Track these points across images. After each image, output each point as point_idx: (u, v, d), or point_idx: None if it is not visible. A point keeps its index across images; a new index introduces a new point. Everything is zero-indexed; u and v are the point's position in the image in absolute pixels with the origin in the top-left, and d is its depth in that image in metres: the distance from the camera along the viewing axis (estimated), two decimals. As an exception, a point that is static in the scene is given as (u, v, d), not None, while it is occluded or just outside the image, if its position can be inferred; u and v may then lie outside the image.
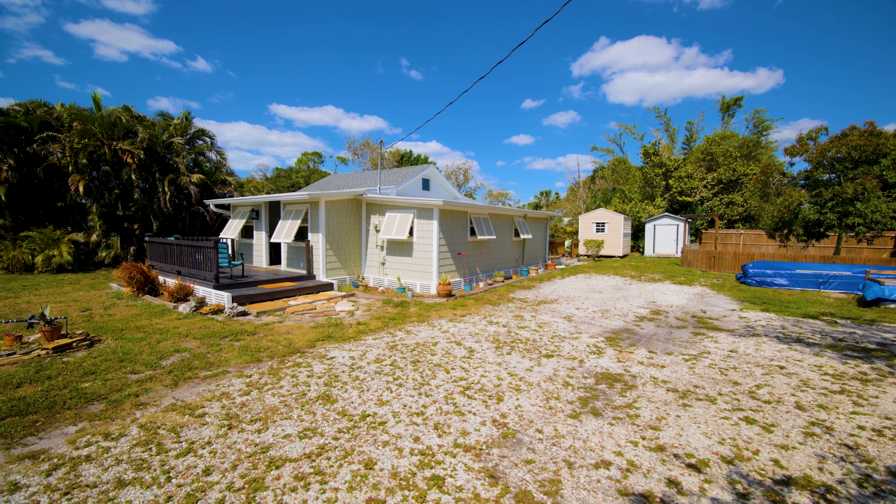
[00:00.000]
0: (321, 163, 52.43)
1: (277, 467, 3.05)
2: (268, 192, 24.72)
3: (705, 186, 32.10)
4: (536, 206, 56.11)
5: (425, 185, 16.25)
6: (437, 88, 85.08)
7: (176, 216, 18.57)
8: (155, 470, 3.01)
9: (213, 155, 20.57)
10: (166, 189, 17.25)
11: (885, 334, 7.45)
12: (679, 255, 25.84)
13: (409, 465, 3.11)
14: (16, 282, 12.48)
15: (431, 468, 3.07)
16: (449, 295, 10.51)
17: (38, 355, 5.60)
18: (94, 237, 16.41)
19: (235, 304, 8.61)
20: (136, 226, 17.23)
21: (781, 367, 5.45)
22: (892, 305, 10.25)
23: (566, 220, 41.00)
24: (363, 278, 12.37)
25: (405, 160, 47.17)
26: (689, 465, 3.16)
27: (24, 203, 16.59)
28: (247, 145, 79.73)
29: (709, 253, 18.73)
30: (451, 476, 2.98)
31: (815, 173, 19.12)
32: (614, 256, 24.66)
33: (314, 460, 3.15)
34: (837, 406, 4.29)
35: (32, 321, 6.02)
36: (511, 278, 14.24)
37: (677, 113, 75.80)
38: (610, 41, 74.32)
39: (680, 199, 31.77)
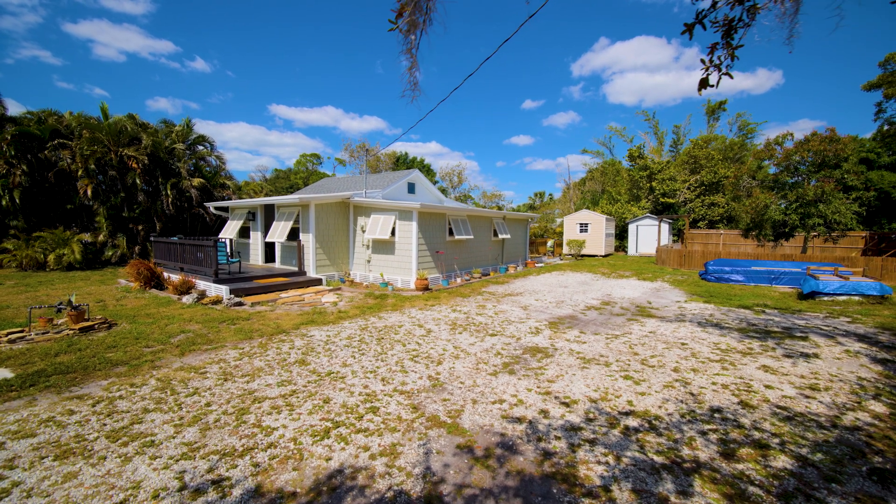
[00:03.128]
0: (320, 164, 53.51)
1: (259, 402, 4.18)
2: (266, 194, 25.83)
3: (688, 188, 33.23)
4: (531, 207, 57.28)
5: (410, 188, 17.38)
6: (437, 88, 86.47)
7: (178, 217, 19.70)
8: (170, 403, 4.14)
9: (212, 160, 21.71)
10: (169, 192, 18.40)
11: (798, 321, 8.58)
12: (659, 254, 26.95)
13: (355, 401, 4.24)
14: (32, 278, 13.59)
15: (371, 403, 4.21)
16: (426, 289, 11.63)
17: (67, 334, 6.73)
18: (101, 237, 17.54)
19: (233, 296, 9.73)
20: (140, 227, 18.37)
21: (683, 344, 6.58)
22: (825, 298, 11.37)
23: (558, 220, 42.14)
24: (350, 275, 13.49)
25: (401, 162, 48.28)
26: (562, 403, 4.28)
27: (37, 205, 17.73)
28: (246, 146, 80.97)
29: (680, 252, 19.87)
30: (384, 407, 4.12)
31: (781, 176, 20.26)
32: (596, 256, 25.78)
33: (287, 398, 4.28)
34: (707, 370, 5.41)
35: (61, 307, 7.14)
36: (489, 275, 15.36)
37: (677, 114, 76.73)
38: (610, 41, 75.47)
39: (663, 200, 32.89)
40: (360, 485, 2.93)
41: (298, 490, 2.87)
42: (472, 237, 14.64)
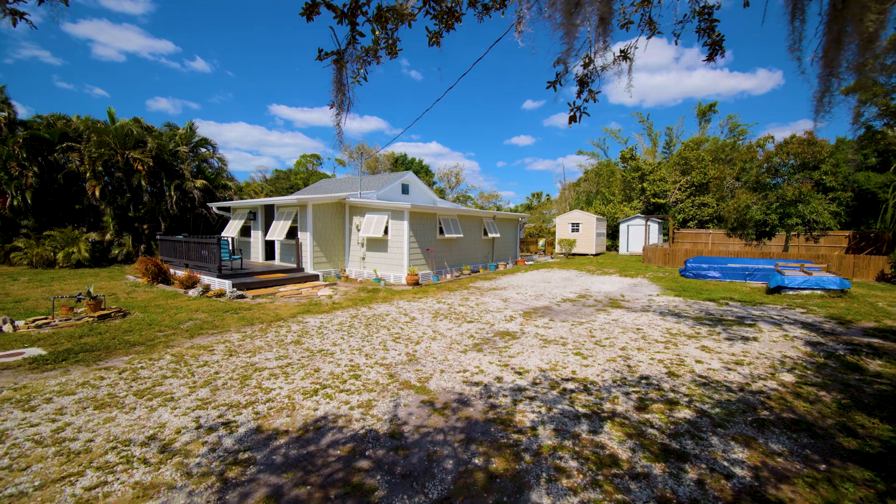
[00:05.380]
0: (320, 164, 54.32)
1: (259, 371, 4.96)
2: (266, 194, 26.64)
3: (679, 189, 33.99)
4: (528, 207, 58.08)
5: (404, 189, 18.15)
6: (437, 88, 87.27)
7: (181, 217, 20.48)
8: (184, 372, 4.91)
9: (214, 161, 22.51)
10: (173, 193, 19.18)
11: (755, 311, 9.33)
12: (648, 253, 27.67)
13: (341, 370, 5.02)
14: (43, 275, 14.37)
15: (355, 372, 4.98)
16: (416, 284, 12.40)
17: (87, 321, 7.50)
18: (108, 236, 18.32)
19: (235, 290, 10.50)
20: (145, 226, 19.16)
21: (638, 329, 7.34)
22: (790, 292, 12.14)
23: (555, 220, 42.86)
24: (345, 271, 14.27)
25: (399, 163, 49.10)
26: (517, 372, 5.05)
27: (46, 206, 18.51)
28: (246, 146, 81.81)
29: (664, 250, 20.63)
30: (365, 375, 4.89)
31: (762, 177, 21.02)
32: (587, 255, 26.54)
33: (283, 369, 5.05)
34: (650, 349, 6.18)
35: (80, 297, 7.91)
36: (478, 272, 16.13)
37: (678, 114, 77.02)
38: (611, 42, 76.27)
39: (654, 200, 33.64)
40: (339, 426, 3.70)
41: (290, 429, 3.64)
42: (461, 236, 15.41)
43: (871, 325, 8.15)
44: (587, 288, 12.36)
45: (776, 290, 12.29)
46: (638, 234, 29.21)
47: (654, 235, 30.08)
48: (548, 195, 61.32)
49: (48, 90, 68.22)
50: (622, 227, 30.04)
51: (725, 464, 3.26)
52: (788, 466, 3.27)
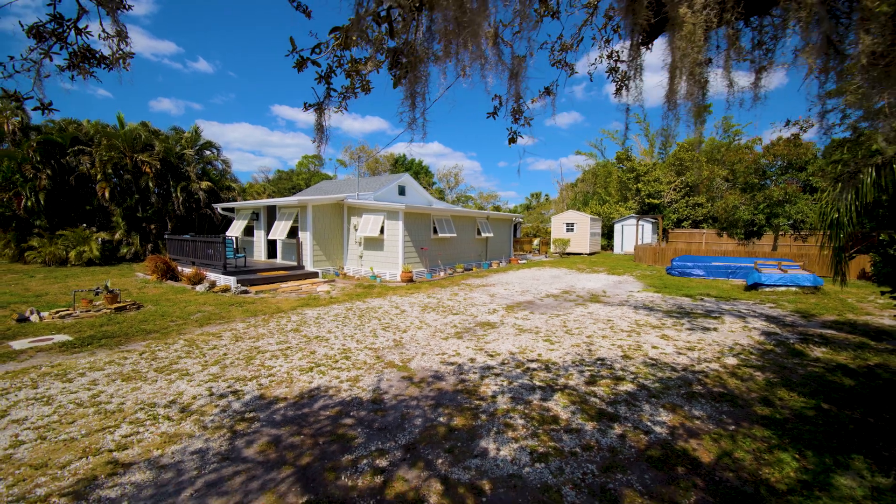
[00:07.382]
0: (321, 165, 55.03)
1: (262, 353, 5.65)
2: (269, 195, 27.41)
3: (674, 189, 34.55)
4: (527, 208, 58.76)
5: (401, 190, 18.85)
6: (436, 86, 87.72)
7: (187, 217, 21.24)
8: (196, 353, 5.61)
9: (219, 164, 23.28)
10: (179, 194, 19.94)
11: (725, 306, 9.96)
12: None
13: (334, 353, 5.70)
14: (58, 272, 15.13)
15: (346, 354, 5.66)
16: (410, 281, 13.08)
17: (106, 312, 8.22)
18: (117, 236, 19.10)
19: (239, 285, 11.20)
20: (152, 226, 19.92)
21: (609, 320, 7.99)
22: (766, 289, 12.74)
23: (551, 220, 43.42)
24: (343, 269, 14.96)
25: (399, 163, 49.84)
26: (489, 355, 5.72)
27: (58, 206, 19.29)
28: (249, 146, 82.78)
29: (654, 249, 21.25)
30: (355, 356, 5.57)
31: (750, 178, 21.60)
32: (581, 254, 27.15)
33: (283, 351, 5.74)
34: (614, 337, 6.83)
35: (98, 291, 8.63)
36: (471, 270, 16.79)
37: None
38: (613, 41, 76.93)
39: (648, 201, 34.21)
40: (330, 394, 4.38)
41: (288, 397, 4.32)
42: (455, 235, 16.08)
43: (832, 319, 8.76)
44: (573, 285, 13.01)
45: (753, 287, 12.89)
46: (632, 234, 29.80)
47: (648, 235, 30.66)
48: (546, 195, 61.95)
49: (50, 92, 69.21)
50: (617, 227, 30.65)
51: (649, 424, 3.91)
52: (702, 427, 3.93)
